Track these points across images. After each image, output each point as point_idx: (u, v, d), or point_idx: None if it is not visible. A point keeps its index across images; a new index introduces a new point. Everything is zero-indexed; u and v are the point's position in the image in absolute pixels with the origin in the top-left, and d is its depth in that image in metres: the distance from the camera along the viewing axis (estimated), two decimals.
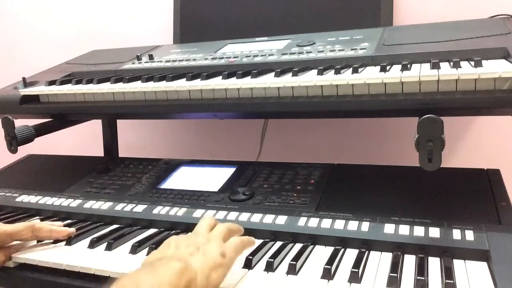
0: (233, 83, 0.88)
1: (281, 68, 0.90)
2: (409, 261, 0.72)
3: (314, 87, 0.83)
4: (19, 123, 1.08)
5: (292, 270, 0.70)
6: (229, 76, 0.91)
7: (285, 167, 1.07)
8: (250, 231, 0.85)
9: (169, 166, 1.18)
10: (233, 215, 0.90)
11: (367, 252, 0.75)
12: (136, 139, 1.71)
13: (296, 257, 0.73)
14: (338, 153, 1.45)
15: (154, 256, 0.65)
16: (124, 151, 1.52)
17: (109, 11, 1.69)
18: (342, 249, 0.77)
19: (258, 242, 0.81)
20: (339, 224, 0.82)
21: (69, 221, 1.00)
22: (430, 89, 0.76)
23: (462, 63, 0.78)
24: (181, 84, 0.93)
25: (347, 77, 0.80)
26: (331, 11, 1.29)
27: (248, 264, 0.73)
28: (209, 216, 0.90)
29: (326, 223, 0.82)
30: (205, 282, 0.60)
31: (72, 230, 0.88)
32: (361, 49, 0.98)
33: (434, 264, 0.70)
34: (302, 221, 0.84)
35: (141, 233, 0.91)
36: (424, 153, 0.72)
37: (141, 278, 0.55)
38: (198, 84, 0.91)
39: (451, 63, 0.78)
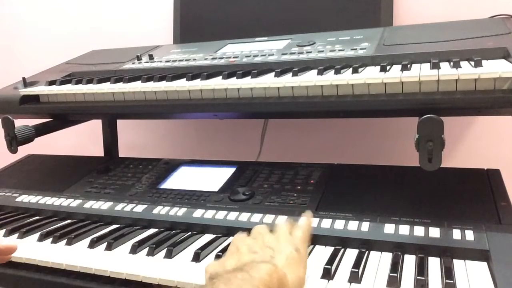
0: (233, 83, 0.88)
1: (281, 68, 0.90)
2: (409, 261, 0.72)
3: (314, 87, 0.83)
4: (19, 123, 1.08)
5: None
6: (229, 76, 0.91)
7: (285, 167, 1.07)
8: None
9: (169, 166, 1.18)
10: (233, 215, 0.90)
11: (367, 252, 0.75)
12: (136, 139, 1.71)
13: None
14: (338, 153, 1.45)
15: (228, 262, 0.64)
16: (124, 151, 1.52)
17: (109, 11, 1.69)
18: (342, 249, 0.77)
19: None
20: (339, 224, 0.82)
21: (69, 221, 1.00)
22: (430, 89, 0.76)
23: (462, 63, 0.78)
24: (181, 84, 0.93)
25: (347, 77, 0.80)
26: (331, 11, 1.29)
27: None
28: (209, 216, 0.90)
29: (326, 223, 0.82)
30: (296, 279, 0.60)
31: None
32: (361, 49, 0.98)
33: (434, 264, 0.70)
34: (302, 221, 0.84)
35: (141, 233, 0.91)
36: (424, 153, 0.72)
37: (229, 276, 0.55)
38: (198, 84, 0.91)
39: (451, 63, 0.78)
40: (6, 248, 0.76)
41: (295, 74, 0.86)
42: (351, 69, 0.85)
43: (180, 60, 1.14)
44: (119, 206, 1.00)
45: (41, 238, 0.90)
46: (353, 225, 0.81)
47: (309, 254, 0.77)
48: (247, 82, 0.87)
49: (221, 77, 0.92)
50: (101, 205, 1.01)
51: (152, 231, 0.92)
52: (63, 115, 1.17)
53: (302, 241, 0.68)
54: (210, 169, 1.13)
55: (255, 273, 0.55)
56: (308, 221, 0.74)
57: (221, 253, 0.76)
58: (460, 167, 0.97)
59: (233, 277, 0.54)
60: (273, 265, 0.58)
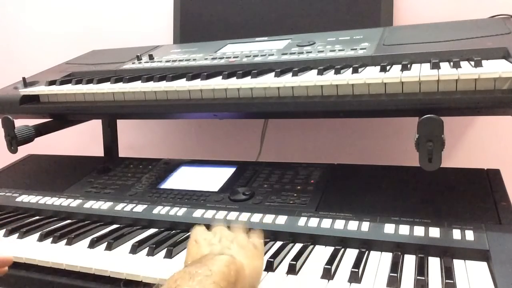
0: (233, 83, 0.88)
1: (281, 68, 0.90)
2: (409, 261, 0.72)
3: (314, 87, 0.83)
4: (19, 123, 1.08)
5: (292, 270, 0.70)
6: (229, 76, 0.91)
7: (285, 167, 1.07)
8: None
9: (169, 166, 1.18)
10: (233, 215, 0.90)
11: (367, 252, 0.75)
12: (136, 139, 1.71)
13: (296, 257, 0.73)
14: (338, 153, 1.45)
15: (190, 257, 0.66)
16: (124, 151, 1.52)
17: (109, 11, 1.69)
18: (342, 249, 0.77)
19: None
20: (339, 224, 0.82)
21: (69, 221, 1.00)
22: (430, 89, 0.76)
23: (462, 63, 0.78)
24: (181, 84, 0.93)
25: (347, 77, 0.80)
26: (331, 11, 1.29)
27: None
28: (209, 216, 0.90)
29: (326, 223, 0.82)
30: (252, 271, 0.62)
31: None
32: (361, 49, 0.98)
33: (434, 264, 0.70)
34: (302, 221, 0.84)
35: (141, 233, 0.91)
36: (424, 153, 0.72)
37: (190, 270, 0.56)
38: (198, 84, 0.91)
39: (451, 63, 0.79)
40: (1, 260, 0.76)
41: (295, 74, 0.86)
42: (351, 69, 0.85)
43: (180, 60, 1.14)
44: (119, 206, 1.00)
45: (41, 238, 0.90)
46: (353, 225, 0.81)
47: (309, 254, 0.77)
48: (247, 82, 0.87)
49: (221, 77, 0.92)
50: (101, 205, 1.01)
51: (152, 231, 0.92)
52: (63, 115, 1.17)
53: (259, 239, 0.70)
54: (210, 169, 1.13)
55: (214, 266, 0.57)
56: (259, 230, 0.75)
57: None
58: (460, 167, 0.97)
59: (193, 273, 0.56)
60: (230, 256, 0.60)
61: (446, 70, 0.76)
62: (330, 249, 0.77)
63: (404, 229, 0.77)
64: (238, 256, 0.62)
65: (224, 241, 0.67)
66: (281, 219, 0.86)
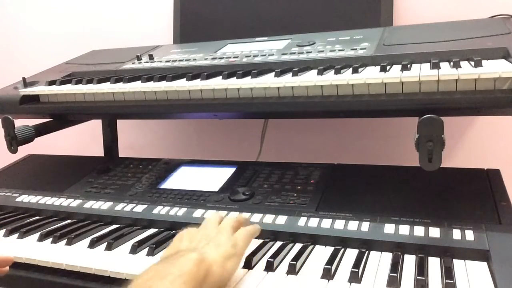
0: (233, 83, 0.88)
1: (281, 68, 0.90)
2: (409, 261, 0.72)
3: (314, 87, 0.83)
4: (19, 123, 1.08)
5: (292, 270, 0.70)
6: (229, 76, 0.91)
7: (285, 167, 1.07)
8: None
9: (169, 166, 1.18)
10: (233, 215, 0.89)
11: (367, 252, 0.75)
12: (136, 139, 1.71)
13: (296, 257, 0.73)
14: (338, 153, 1.45)
15: (169, 251, 0.68)
16: (124, 151, 1.52)
17: (109, 11, 1.69)
18: (342, 249, 0.77)
19: (258, 242, 0.82)
20: (339, 224, 0.82)
21: (69, 221, 1.00)
22: (430, 89, 0.76)
23: (462, 63, 0.78)
24: (181, 84, 0.93)
25: (347, 77, 0.80)
26: (331, 11, 1.29)
27: (248, 264, 0.73)
28: (209, 216, 0.90)
29: (326, 223, 0.82)
30: (220, 271, 0.62)
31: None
32: (361, 49, 0.98)
33: (434, 264, 0.70)
34: (302, 221, 0.84)
35: (141, 233, 0.91)
36: (424, 153, 0.72)
37: (161, 269, 0.57)
38: (198, 84, 0.91)
39: (451, 63, 0.78)
40: (2, 260, 0.76)
41: (295, 74, 0.86)
42: (351, 69, 0.85)
43: (180, 60, 1.14)
44: (119, 206, 1.00)
45: (41, 238, 0.90)
46: (353, 225, 0.81)
47: (309, 254, 0.77)
48: (247, 82, 0.87)
49: (221, 77, 0.92)
50: (101, 205, 1.01)
51: (152, 231, 0.92)
52: (63, 115, 1.17)
53: (243, 239, 0.70)
54: (210, 169, 1.13)
55: (184, 266, 0.58)
56: (253, 227, 0.76)
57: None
58: (460, 167, 0.97)
59: (165, 273, 0.56)
60: (200, 254, 0.61)
61: (446, 70, 0.75)
62: (330, 249, 0.77)
63: (404, 229, 0.77)
64: (210, 255, 0.63)
65: (203, 238, 0.68)
66: (281, 219, 0.86)
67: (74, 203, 1.04)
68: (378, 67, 0.82)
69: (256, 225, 0.78)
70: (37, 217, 1.03)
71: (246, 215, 0.88)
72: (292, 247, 0.80)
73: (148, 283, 0.55)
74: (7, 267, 0.77)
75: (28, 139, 1.07)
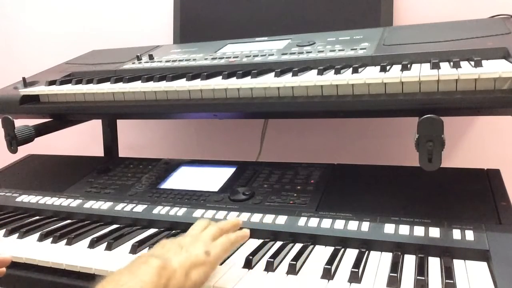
0: (233, 83, 0.88)
1: (281, 68, 0.90)
2: (409, 261, 0.72)
3: (314, 87, 0.83)
4: (19, 123, 1.08)
5: (292, 270, 0.70)
6: (229, 76, 0.91)
7: (285, 167, 1.07)
8: (250, 231, 0.85)
9: (169, 166, 1.18)
10: (233, 215, 0.90)
11: (367, 252, 0.75)
12: (136, 139, 1.71)
13: (296, 257, 0.73)
14: (338, 153, 1.45)
15: (140, 257, 0.66)
16: (124, 151, 1.52)
17: (109, 11, 1.69)
18: (342, 249, 0.77)
19: (258, 242, 0.82)
20: (339, 224, 0.82)
21: (69, 221, 1.00)
22: (430, 89, 0.76)
23: (462, 63, 0.78)
24: (181, 84, 0.93)
25: (347, 77, 0.80)
26: (331, 11, 1.29)
27: (248, 264, 0.73)
28: (209, 216, 0.90)
29: (326, 223, 0.82)
30: (183, 279, 0.61)
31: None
32: (361, 49, 0.98)
33: (434, 264, 0.70)
34: (302, 221, 0.84)
35: (141, 233, 0.91)
36: (424, 153, 0.72)
37: (122, 279, 0.56)
38: (198, 84, 0.91)
39: (451, 63, 0.78)
40: (0, 261, 0.76)
41: (295, 74, 0.86)
42: (351, 69, 0.85)
43: (180, 60, 1.14)
44: (119, 206, 1.00)
45: (41, 238, 0.90)
46: (353, 225, 0.81)
47: (309, 254, 0.77)
48: (247, 82, 0.87)
49: (221, 77, 0.92)
50: (101, 205, 1.01)
51: (152, 231, 0.92)
52: (63, 115, 1.17)
53: (220, 247, 0.69)
54: (210, 169, 1.13)
55: (145, 276, 0.57)
56: (236, 235, 0.74)
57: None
58: (460, 167, 0.97)
59: (123, 284, 0.55)
60: (163, 261, 0.60)
61: (446, 70, 0.75)
62: (330, 249, 0.77)
63: (404, 229, 0.77)
64: (174, 261, 0.62)
65: (177, 245, 0.67)
66: (281, 219, 0.86)
67: (74, 203, 1.04)
68: (378, 67, 0.82)
69: (244, 231, 0.76)
70: (37, 217, 1.03)
71: (241, 217, 0.88)
72: (292, 247, 0.80)
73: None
74: (4, 269, 0.76)
75: (28, 139, 1.07)
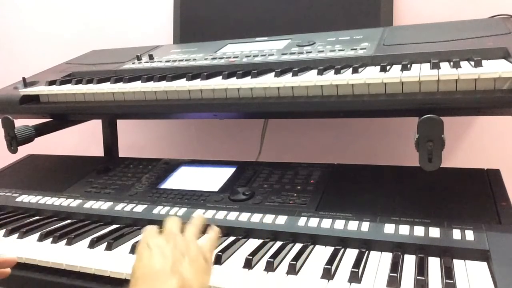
0: (233, 83, 0.88)
1: (281, 68, 0.90)
2: (409, 261, 0.72)
3: (314, 87, 0.83)
4: (19, 123, 1.08)
5: (292, 270, 0.70)
6: (229, 76, 0.91)
7: (285, 167, 1.07)
8: (250, 231, 0.85)
9: (169, 166, 1.18)
10: (233, 215, 0.90)
11: (367, 252, 0.75)
12: (136, 139, 1.71)
13: (296, 257, 0.73)
14: (338, 153, 1.45)
15: (143, 269, 0.63)
16: (124, 151, 1.52)
17: (109, 11, 1.69)
18: (342, 249, 0.77)
19: (258, 242, 0.82)
20: (339, 224, 0.82)
21: (69, 221, 1.00)
22: (430, 89, 0.76)
23: (462, 63, 0.78)
24: (181, 84, 0.93)
25: (347, 77, 0.80)
26: (331, 11, 1.29)
27: (248, 264, 0.73)
28: (209, 216, 0.90)
29: (326, 223, 0.82)
30: (200, 287, 0.61)
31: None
32: (361, 49, 0.98)
33: (434, 264, 0.70)
34: (302, 221, 0.84)
35: (141, 233, 0.91)
36: (424, 153, 0.72)
37: None
38: (198, 84, 0.91)
39: (451, 63, 0.78)
40: (5, 261, 0.76)
41: (295, 74, 0.86)
42: (351, 69, 0.85)
43: (180, 60, 1.14)
44: (119, 206, 1.00)
45: (41, 238, 0.90)
46: (353, 225, 0.81)
47: (309, 254, 0.77)
48: (247, 82, 0.87)
49: (221, 77, 0.92)
50: (101, 205, 1.01)
51: None
52: (63, 115, 1.17)
53: (210, 250, 0.68)
54: (210, 169, 1.13)
55: None
56: (211, 236, 0.72)
57: (221, 253, 0.76)
58: (460, 167, 0.97)
59: None
60: (181, 279, 0.58)
61: (446, 70, 0.75)
62: (330, 249, 0.77)
63: (404, 229, 0.77)
64: (188, 274, 0.60)
65: (177, 253, 0.64)
66: (281, 219, 0.86)
67: (74, 203, 1.04)
68: (378, 67, 0.82)
69: (214, 228, 0.73)
70: (37, 217, 1.03)
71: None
72: (292, 247, 0.80)
73: None
74: (9, 269, 0.76)
75: (28, 139, 1.07)
